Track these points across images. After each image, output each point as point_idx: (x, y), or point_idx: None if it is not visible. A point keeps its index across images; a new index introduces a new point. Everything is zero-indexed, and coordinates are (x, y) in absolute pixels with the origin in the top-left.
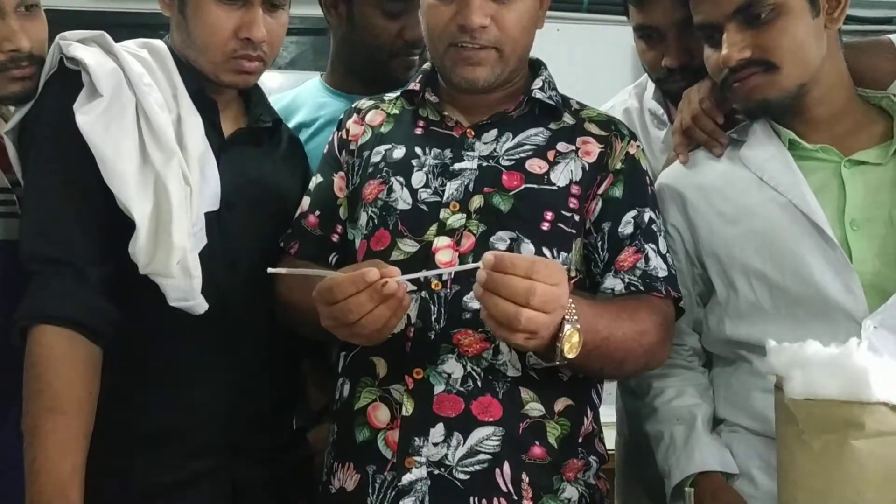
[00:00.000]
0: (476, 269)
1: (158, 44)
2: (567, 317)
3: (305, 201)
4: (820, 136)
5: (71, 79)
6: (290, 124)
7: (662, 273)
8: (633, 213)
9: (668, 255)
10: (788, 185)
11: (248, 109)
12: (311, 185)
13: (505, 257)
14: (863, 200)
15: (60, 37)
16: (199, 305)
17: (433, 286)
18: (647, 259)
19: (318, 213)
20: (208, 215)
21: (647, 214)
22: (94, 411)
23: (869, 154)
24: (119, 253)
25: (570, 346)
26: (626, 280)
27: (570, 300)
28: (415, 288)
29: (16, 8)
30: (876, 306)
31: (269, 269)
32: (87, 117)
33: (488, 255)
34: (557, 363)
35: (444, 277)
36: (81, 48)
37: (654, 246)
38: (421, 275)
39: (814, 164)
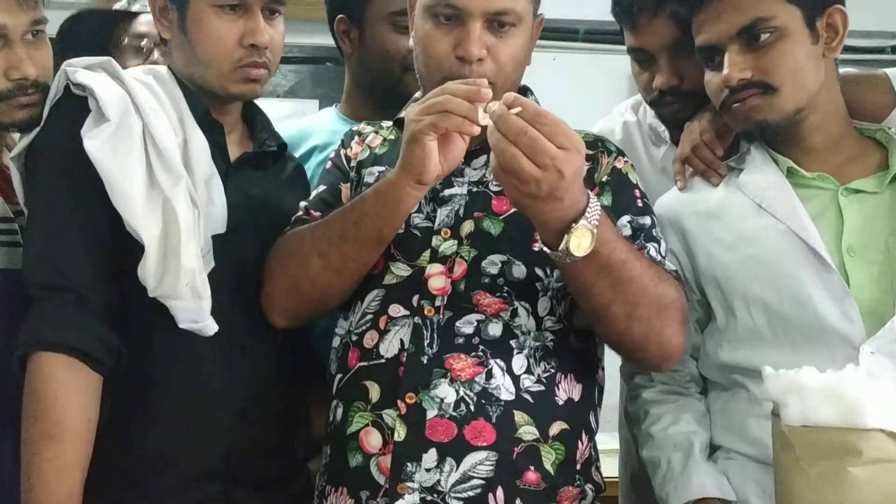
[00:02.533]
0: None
1: (162, 69)
2: (587, 215)
3: (302, 205)
4: (817, 166)
5: (77, 104)
6: (304, 147)
7: (670, 267)
8: (626, 217)
9: (667, 257)
10: (787, 211)
11: (252, 134)
12: (311, 196)
13: (521, 99)
14: (860, 228)
15: (67, 63)
16: (209, 327)
17: (426, 312)
18: (649, 254)
19: (318, 214)
20: (215, 238)
21: (645, 220)
22: (92, 438)
23: (865, 183)
24: (125, 276)
25: (579, 243)
26: None
27: (596, 204)
28: (408, 313)
29: (23, 36)
30: (874, 332)
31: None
32: (94, 141)
33: (509, 94)
34: (561, 256)
35: (438, 304)
36: (88, 74)
37: (655, 245)
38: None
39: (811, 191)
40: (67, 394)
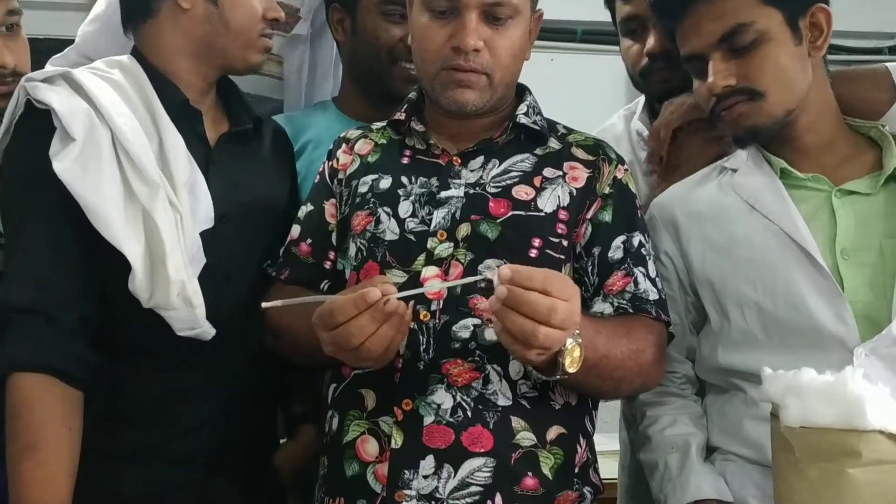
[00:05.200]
0: (478, 280)
1: (129, 62)
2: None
3: (295, 230)
4: (810, 166)
5: (41, 121)
6: (300, 142)
7: (653, 296)
8: (622, 237)
9: (657, 279)
10: (780, 213)
11: (228, 113)
12: (301, 214)
13: (521, 271)
14: (853, 230)
15: (26, 78)
16: (206, 332)
17: (422, 316)
18: (636, 283)
19: (309, 241)
20: (203, 232)
21: (637, 238)
22: (77, 448)
23: (859, 184)
24: (108, 272)
25: (572, 360)
26: (616, 303)
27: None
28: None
29: None
30: (868, 335)
31: (264, 304)
32: (63, 164)
33: (504, 270)
34: (558, 377)
35: (434, 308)
36: (48, 90)
37: (643, 269)
38: (423, 290)
39: (805, 192)
40: (45, 406)
